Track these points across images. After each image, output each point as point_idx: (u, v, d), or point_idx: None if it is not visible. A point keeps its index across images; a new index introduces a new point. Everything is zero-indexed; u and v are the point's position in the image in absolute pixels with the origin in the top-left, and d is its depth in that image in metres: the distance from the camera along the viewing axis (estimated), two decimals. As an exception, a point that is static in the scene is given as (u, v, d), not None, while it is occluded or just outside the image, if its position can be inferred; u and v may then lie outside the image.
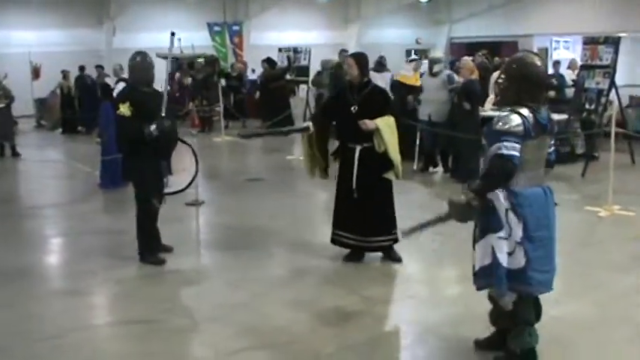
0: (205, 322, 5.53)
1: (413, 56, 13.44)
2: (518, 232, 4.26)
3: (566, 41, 26.14)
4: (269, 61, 18.48)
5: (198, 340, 5.24)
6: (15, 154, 14.82)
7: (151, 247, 7.04)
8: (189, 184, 7.84)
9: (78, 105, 18.79)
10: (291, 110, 17.85)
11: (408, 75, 12.74)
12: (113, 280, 6.58)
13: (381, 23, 28.53)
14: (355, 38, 27.74)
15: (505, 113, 4.24)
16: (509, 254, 4.27)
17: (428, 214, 8.49)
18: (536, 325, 4.56)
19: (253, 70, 21.37)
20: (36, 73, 20.31)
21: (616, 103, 11.08)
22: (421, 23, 29.84)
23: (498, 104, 4.53)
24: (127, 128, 6.76)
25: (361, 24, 28.08)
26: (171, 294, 6.29)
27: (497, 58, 19.14)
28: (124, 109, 6.74)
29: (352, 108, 6.61)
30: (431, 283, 6.59)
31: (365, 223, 6.67)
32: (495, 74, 14.26)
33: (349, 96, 6.71)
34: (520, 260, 4.27)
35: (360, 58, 6.80)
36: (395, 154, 6.54)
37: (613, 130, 8.87)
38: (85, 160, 13.68)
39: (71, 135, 18.51)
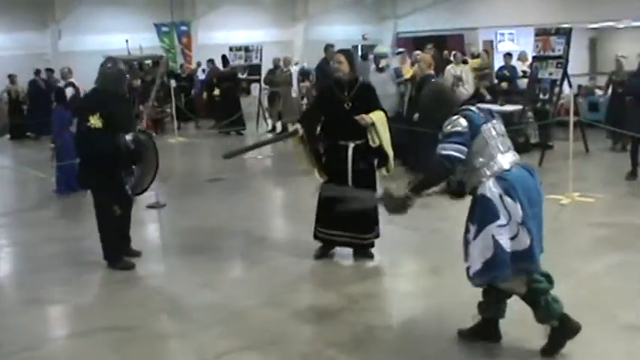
0: (185, 326, 5.43)
1: (399, 49, 13.29)
2: (518, 213, 4.32)
3: (510, 33, 26.54)
4: (223, 60, 18.35)
5: (180, 344, 5.13)
6: None
7: (117, 252, 6.90)
8: (150, 183, 7.72)
9: (27, 110, 18.38)
10: (242, 111, 17.74)
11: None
12: (83, 287, 6.44)
13: (328, 20, 28.57)
14: (302, 35, 27.73)
15: (454, 117, 4.44)
16: (513, 238, 4.33)
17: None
18: (507, 312, 4.73)
19: (204, 70, 21.18)
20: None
21: (569, 92, 11.25)
22: (367, 19, 29.97)
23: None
24: (101, 142, 6.48)
25: (308, 21, 28.05)
26: (146, 299, 6.15)
27: (445, 52, 19.41)
28: (95, 121, 6.46)
29: (345, 105, 6.55)
30: (405, 276, 6.60)
31: (357, 219, 6.57)
32: (449, 68, 14.56)
33: (339, 93, 6.62)
34: (525, 240, 4.33)
35: (350, 54, 6.79)
36: (389, 148, 6.58)
37: (572, 118, 9.03)
38: (37, 166, 13.35)
39: (20, 140, 18.09)
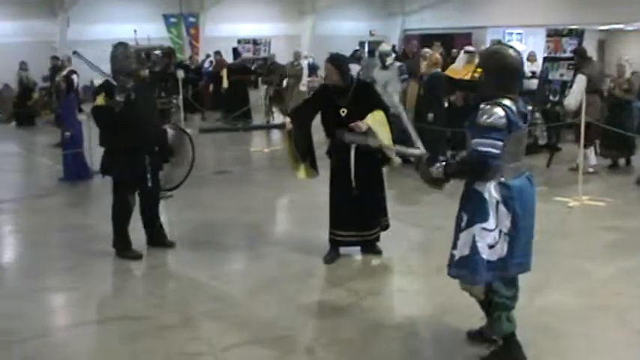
0: (195, 318, 5.47)
1: (468, 48, 12.60)
2: (506, 224, 4.28)
3: (519, 33, 26.52)
4: (234, 52, 18.32)
5: (189, 336, 5.15)
6: None
7: (125, 242, 6.94)
8: (185, 178, 7.78)
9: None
10: (250, 104, 17.73)
11: (457, 68, 12.00)
12: (93, 276, 6.46)
13: (336, 15, 28.58)
14: (310, 30, 27.74)
15: (488, 106, 4.24)
16: (491, 246, 4.29)
17: (405, 207, 8.63)
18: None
19: (211, 62, 21.17)
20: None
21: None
22: (375, 15, 29.98)
23: (478, 98, 4.58)
24: (100, 114, 6.67)
25: (316, 16, 28.06)
26: (156, 289, 6.19)
27: (454, 50, 19.37)
28: (100, 100, 6.66)
29: (341, 111, 6.44)
30: (413, 273, 6.60)
31: (366, 217, 6.65)
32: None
33: (335, 99, 6.49)
34: (502, 250, 4.30)
35: (339, 62, 6.59)
36: (391, 145, 6.47)
37: (583, 120, 9.02)
38: (44, 153, 13.43)
39: (27, 127, 18.11)
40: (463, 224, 4.41)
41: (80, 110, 15.16)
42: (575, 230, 7.88)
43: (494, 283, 4.41)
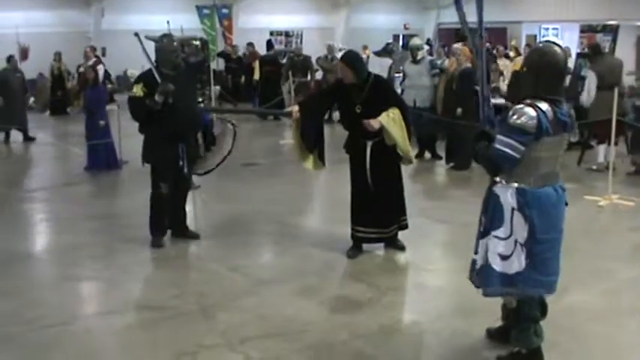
0: (214, 310, 5.48)
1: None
2: (522, 234, 4.13)
3: (555, 28, 26.17)
4: (268, 45, 18.29)
5: (207, 327, 5.16)
6: (28, 138, 14.41)
7: (156, 230, 7.01)
8: (217, 166, 7.80)
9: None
10: (282, 96, 17.71)
11: None
12: (117, 266, 6.51)
13: (370, 8, 28.41)
14: (344, 23, 27.63)
15: (521, 106, 4.08)
16: (505, 257, 4.17)
17: (432, 203, 8.56)
18: (547, 317, 4.53)
19: (244, 54, 21.20)
20: (24, 54, 20.01)
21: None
22: (410, 9, 29.77)
23: (515, 97, 4.46)
24: (135, 106, 6.71)
25: (350, 8, 27.93)
26: (178, 280, 6.22)
27: (488, 45, 19.20)
28: (137, 90, 6.71)
29: (357, 108, 6.38)
30: (436, 271, 6.55)
31: (383, 214, 6.61)
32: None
33: (351, 95, 6.42)
34: (520, 263, 4.15)
35: (352, 61, 6.49)
36: (404, 145, 6.42)
37: (614, 118, 8.86)
38: (76, 143, 13.55)
39: (60, 116, 18.31)
40: (482, 230, 4.35)
41: (112, 100, 15.36)
42: (603, 230, 7.76)
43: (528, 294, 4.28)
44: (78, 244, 7.19)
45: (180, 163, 6.90)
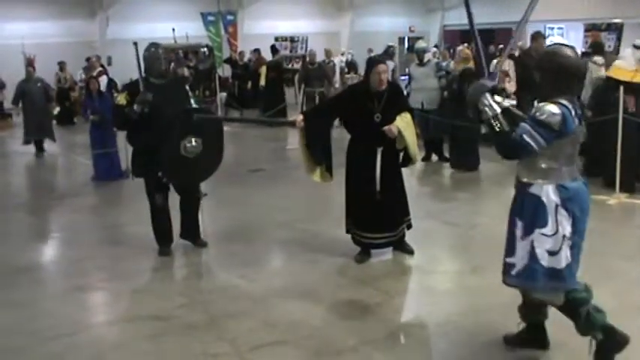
0: (222, 318, 5.44)
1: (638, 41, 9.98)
2: (567, 228, 4.14)
3: (560, 28, 26.11)
4: (272, 50, 18.32)
5: (215, 336, 5.12)
6: (41, 149, 14.36)
7: (159, 239, 7.03)
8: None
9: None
10: (286, 102, 17.72)
11: (626, 67, 9.31)
12: (123, 275, 6.49)
13: (375, 11, 28.44)
14: (349, 27, 27.65)
15: (542, 104, 4.08)
16: (552, 253, 4.15)
17: (439, 205, 8.53)
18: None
19: (249, 60, 21.22)
20: (30, 64, 20.04)
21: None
22: (414, 11, 29.79)
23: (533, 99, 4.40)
24: (116, 115, 6.83)
25: (354, 12, 27.96)
26: (185, 289, 6.21)
27: (491, 47, 19.17)
28: (120, 98, 6.77)
29: (375, 117, 6.34)
30: (444, 274, 6.52)
31: (390, 218, 6.60)
32: (495, 61, 14.36)
33: (370, 103, 6.38)
34: (567, 257, 4.16)
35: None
36: (414, 148, 6.50)
37: (620, 116, 8.80)
38: (82, 153, 13.58)
39: (67, 126, 18.34)
40: (519, 232, 4.26)
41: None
42: (613, 228, 7.69)
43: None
44: (84, 255, 7.18)
45: (160, 174, 6.76)
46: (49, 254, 7.64)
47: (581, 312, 4.28)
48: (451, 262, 6.85)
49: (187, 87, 7.41)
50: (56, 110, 15.91)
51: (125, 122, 6.75)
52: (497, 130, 4.16)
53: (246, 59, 20.98)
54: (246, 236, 7.65)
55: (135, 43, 6.94)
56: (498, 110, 4.17)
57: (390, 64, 14.92)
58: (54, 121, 18.50)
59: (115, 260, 6.92)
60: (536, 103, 4.24)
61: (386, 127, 6.26)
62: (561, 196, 4.15)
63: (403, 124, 6.33)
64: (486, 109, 4.19)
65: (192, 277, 6.65)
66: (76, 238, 7.89)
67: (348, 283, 6.20)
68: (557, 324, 4.57)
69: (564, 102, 4.06)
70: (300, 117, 6.50)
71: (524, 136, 4.04)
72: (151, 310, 5.63)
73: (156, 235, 7.03)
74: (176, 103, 6.71)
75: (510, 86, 13.32)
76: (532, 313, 4.57)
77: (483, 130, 4.28)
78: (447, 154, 11.64)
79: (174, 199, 7.13)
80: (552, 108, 4.03)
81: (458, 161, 11.09)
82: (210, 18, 22.98)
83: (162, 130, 6.54)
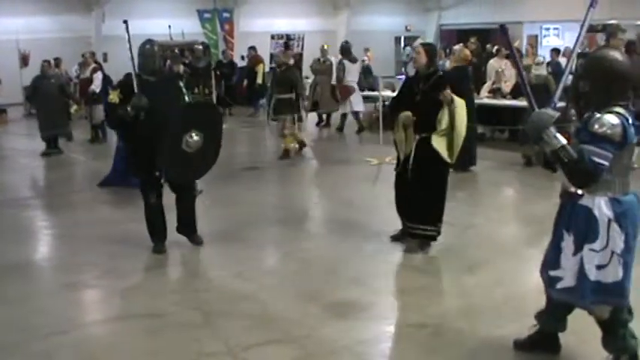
0: (215, 316, 5.42)
1: None
2: (619, 244, 3.97)
3: (556, 28, 26.14)
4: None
5: (209, 334, 5.10)
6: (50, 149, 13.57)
7: (152, 237, 6.99)
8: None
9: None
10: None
11: None
12: (117, 273, 6.45)
13: (371, 10, 28.42)
14: (345, 25, 27.62)
15: (599, 114, 3.88)
16: (601, 267, 4.00)
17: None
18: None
19: (242, 57, 21.19)
20: (24, 60, 20.02)
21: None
22: (411, 10, 29.78)
23: (581, 110, 4.10)
24: (109, 112, 6.77)
25: (350, 11, 27.93)
26: (179, 287, 6.20)
27: (488, 46, 19.16)
28: (113, 96, 6.73)
29: (417, 97, 6.65)
30: (439, 273, 6.52)
31: (415, 210, 6.76)
32: (492, 62, 14.41)
33: (414, 84, 6.78)
34: (617, 273, 4.00)
35: (430, 48, 6.93)
36: (461, 133, 6.62)
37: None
38: (77, 149, 13.55)
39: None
40: (568, 246, 4.10)
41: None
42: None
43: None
44: (78, 252, 7.15)
45: (157, 173, 6.75)
46: (42, 251, 7.60)
47: (618, 332, 4.19)
48: (446, 261, 6.83)
49: (181, 83, 7.30)
50: (74, 108, 15.15)
51: (119, 123, 6.71)
52: (567, 160, 3.90)
53: (242, 56, 20.99)
54: (240, 234, 7.62)
55: (125, 21, 6.88)
56: (564, 141, 3.91)
57: (352, 67, 15.12)
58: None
59: (108, 258, 6.88)
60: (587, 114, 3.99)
61: (446, 92, 6.47)
62: (615, 210, 3.96)
63: (460, 103, 6.58)
64: (554, 140, 3.91)
65: (186, 275, 6.63)
66: (69, 235, 7.84)
67: (342, 282, 6.18)
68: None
69: (621, 111, 3.90)
70: (409, 112, 6.65)
71: (595, 158, 3.82)
72: (144, 308, 5.61)
73: (150, 232, 7.00)
74: (169, 100, 6.66)
75: (506, 86, 13.37)
76: (552, 321, 4.46)
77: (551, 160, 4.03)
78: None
79: (169, 198, 7.10)
80: (611, 119, 3.85)
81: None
82: (207, 15, 22.96)
83: (156, 127, 6.46)
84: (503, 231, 7.33)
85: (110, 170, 10.27)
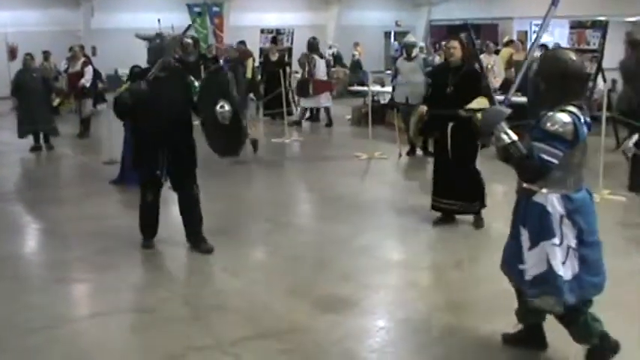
0: (204, 311, 5.43)
1: None
2: (571, 239, 4.05)
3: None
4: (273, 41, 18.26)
5: (197, 329, 5.11)
6: (39, 144, 13.33)
7: (143, 233, 6.97)
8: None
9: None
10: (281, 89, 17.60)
11: None
12: (106, 268, 6.44)
13: (361, 5, 28.46)
14: (335, 20, 27.64)
15: (552, 113, 3.97)
16: (563, 263, 4.06)
17: (422, 199, 8.51)
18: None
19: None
20: (12, 54, 19.90)
21: (603, 87, 11.05)
22: (401, 6, 29.81)
23: (538, 108, 4.15)
24: (115, 101, 6.61)
25: (341, 5, 27.96)
26: (168, 282, 6.18)
27: (478, 41, 19.17)
28: (124, 87, 6.66)
29: (448, 89, 7.07)
30: (427, 269, 6.54)
31: (463, 189, 7.29)
32: (482, 57, 14.40)
33: (446, 76, 7.18)
34: (573, 268, 4.07)
35: (463, 42, 7.29)
36: None
37: (604, 114, 8.86)
38: (66, 144, 13.49)
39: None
40: (524, 241, 4.18)
41: (103, 100, 15.24)
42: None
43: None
44: (67, 247, 7.14)
45: (158, 172, 6.67)
46: (31, 246, 7.57)
47: (579, 320, 4.23)
48: (434, 257, 6.86)
49: (191, 79, 7.04)
50: (56, 102, 14.78)
51: (122, 110, 6.55)
52: (517, 156, 4.03)
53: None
54: (230, 229, 7.63)
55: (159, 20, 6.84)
56: (515, 137, 4.04)
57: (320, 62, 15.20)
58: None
59: (97, 253, 6.86)
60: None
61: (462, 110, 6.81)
62: (567, 207, 4.04)
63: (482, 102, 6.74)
64: (504, 136, 4.04)
65: (176, 271, 6.62)
66: (58, 229, 7.83)
67: (331, 277, 6.19)
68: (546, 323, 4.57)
69: (573, 109, 3.97)
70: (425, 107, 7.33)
71: (543, 156, 3.93)
72: (134, 303, 5.63)
73: (141, 228, 6.97)
74: (177, 94, 6.60)
75: (496, 82, 13.42)
76: (531, 315, 4.48)
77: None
78: (431, 149, 11.63)
79: (168, 197, 7.10)
80: (563, 117, 3.93)
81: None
82: (197, 9, 22.94)
83: (163, 124, 6.43)
84: (492, 226, 7.35)
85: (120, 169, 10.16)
